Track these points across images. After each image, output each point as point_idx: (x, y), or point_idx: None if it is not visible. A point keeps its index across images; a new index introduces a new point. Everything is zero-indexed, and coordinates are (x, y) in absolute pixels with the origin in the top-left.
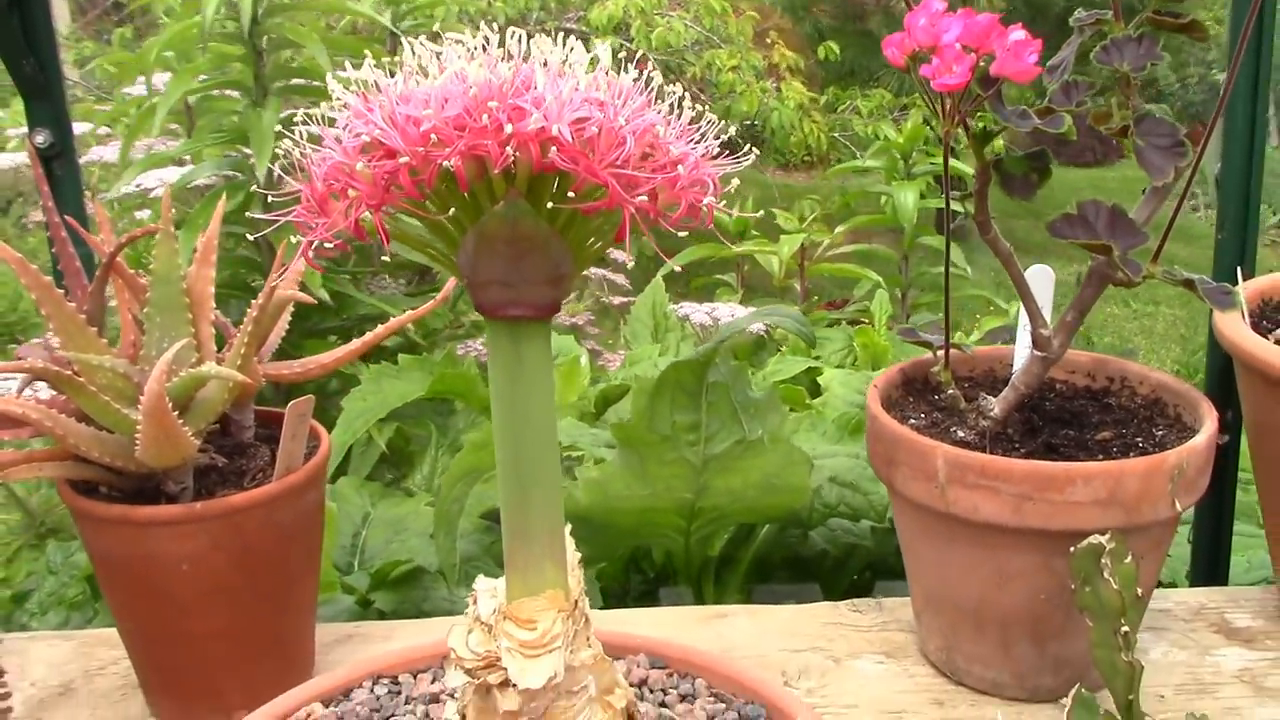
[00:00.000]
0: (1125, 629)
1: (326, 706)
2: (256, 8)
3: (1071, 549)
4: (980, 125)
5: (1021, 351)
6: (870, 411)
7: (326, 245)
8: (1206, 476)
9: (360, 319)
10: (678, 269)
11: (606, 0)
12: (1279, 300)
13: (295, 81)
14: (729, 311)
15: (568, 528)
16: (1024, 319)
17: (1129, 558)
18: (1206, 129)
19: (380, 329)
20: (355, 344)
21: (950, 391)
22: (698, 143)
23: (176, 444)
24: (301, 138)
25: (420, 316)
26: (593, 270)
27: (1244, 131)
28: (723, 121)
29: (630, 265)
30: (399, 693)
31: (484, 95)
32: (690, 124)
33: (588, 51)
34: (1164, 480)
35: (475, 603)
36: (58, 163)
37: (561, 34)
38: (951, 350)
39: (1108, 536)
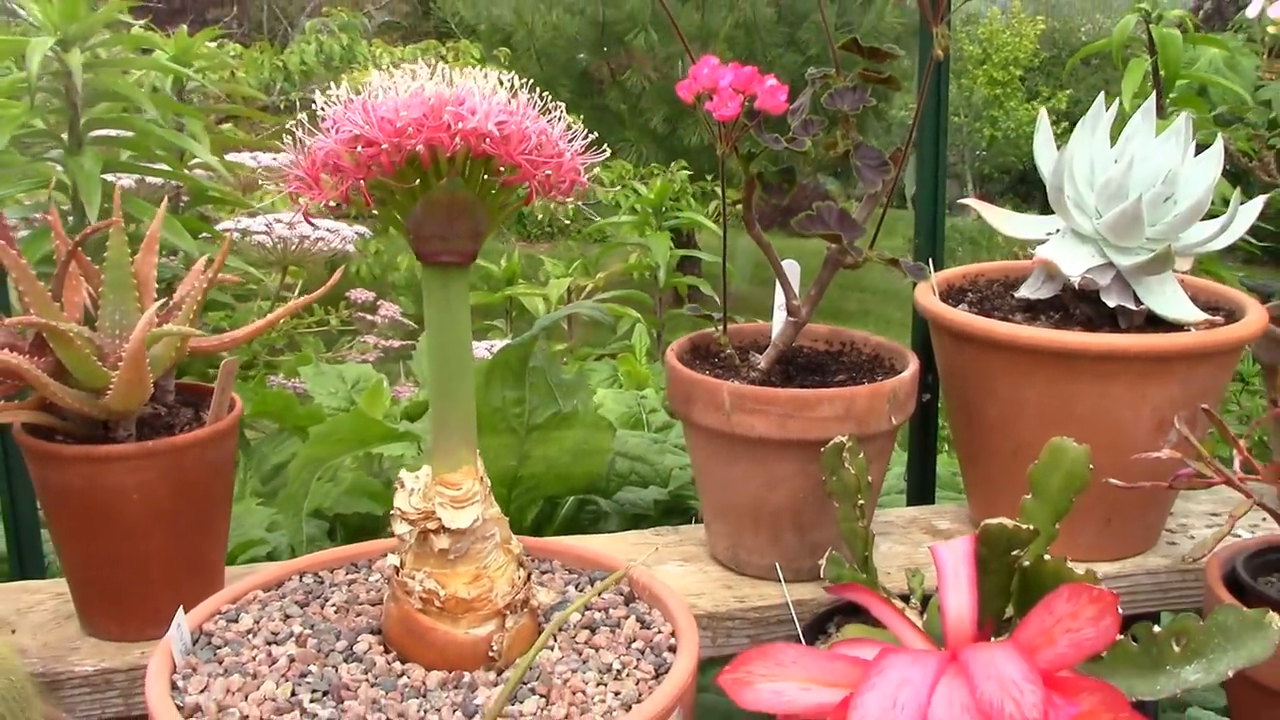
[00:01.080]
0: (861, 502)
1: (266, 592)
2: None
3: (821, 450)
4: (746, 149)
5: (778, 324)
6: (670, 365)
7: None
8: (912, 401)
9: None
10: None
11: (354, 71)
12: (960, 286)
13: (111, 133)
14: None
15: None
16: (779, 300)
17: (861, 454)
18: (903, 153)
19: (281, 309)
20: (261, 321)
21: (728, 351)
22: (570, 142)
23: (143, 389)
24: (294, 140)
25: (310, 303)
26: (380, 313)
27: (931, 159)
28: None
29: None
30: (323, 582)
31: (439, 104)
32: (564, 131)
33: (500, 83)
34: (883, 401)
35: (402, 485)
36: None
37: (307, 102)
38: (728, 324)
39: (846, 438)
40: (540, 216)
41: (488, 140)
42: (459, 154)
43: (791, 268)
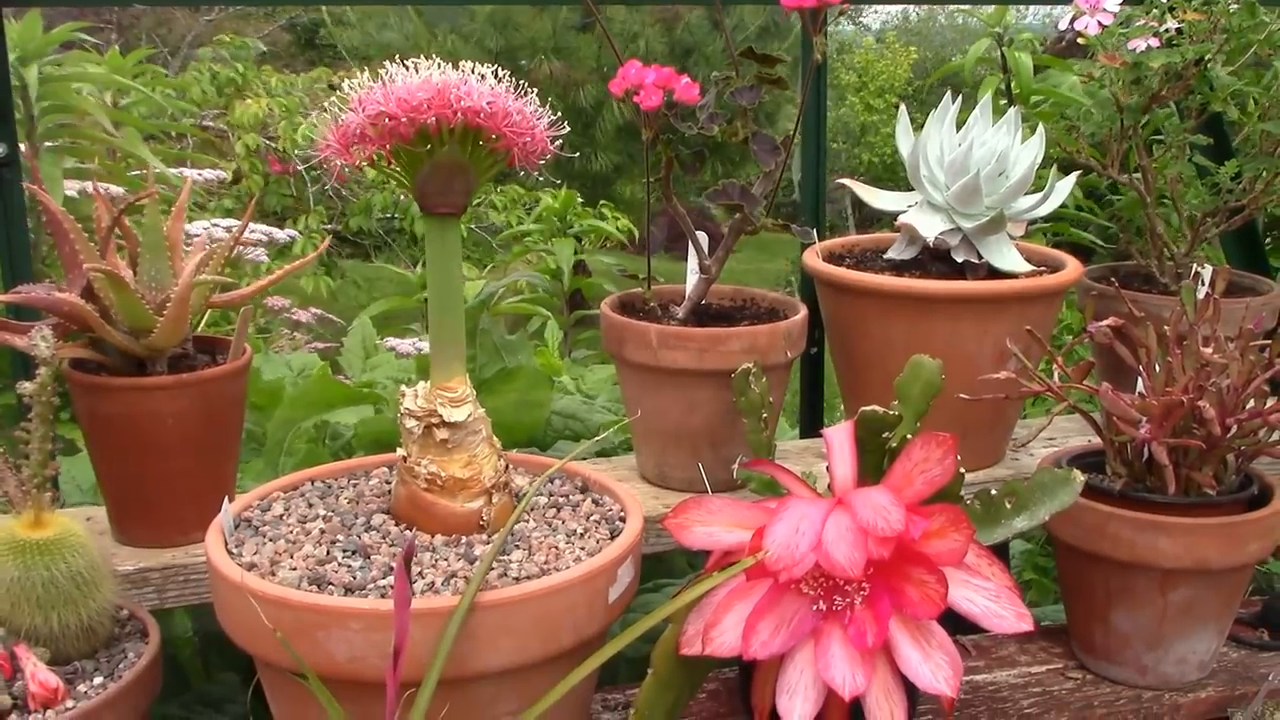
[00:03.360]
0: (765, 416)
1: (285, 493)
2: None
3: (731, 376)
4: (665, 136)
5: (691, 283)
6: (605, 314)
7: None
8: (803, 340)
9: None
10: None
11: (248, 100)
12: (838, 253)
13: (66, 141)
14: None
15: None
16: (692, 264)
17: (765, 378)
18: (790, 139)
19: (285, 268)
20: (268, 278)
21: (652, 304)
22: (540, 120)
23: (184, 328)
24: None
25: (304, 266)
26: (312, 313)
27: (813, 148)
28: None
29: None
30: (330, 486)
31: (445, 87)
32: (536, 111)
33: (494, 76)
34: (780, 338)
35: (404, 396)
36: (7, 170)
37: (200, 130)
38: (646, 283)
39: (752, 365)
40: None
41: (481, 115)
42: (458, 127)
43: (701, 237)
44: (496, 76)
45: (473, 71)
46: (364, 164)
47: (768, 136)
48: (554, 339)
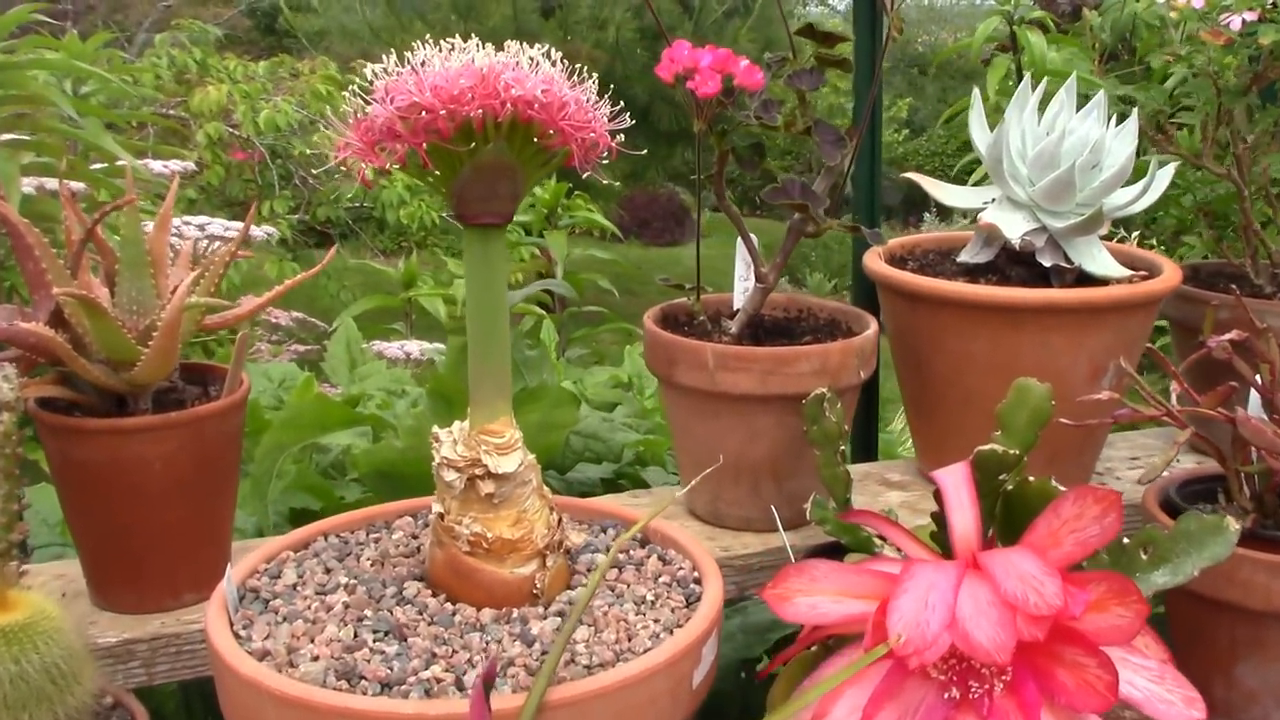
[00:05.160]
0: (842, 449)
1: (296, 552)
2: None
3: (802, 402)
4: (720, 126)
5: (740, 293)
6: (650, 331)
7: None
8: (874, 358)
9: None
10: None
11: (208, 87)
12: (900, 255)
13: (22, 136)
14: (417, 347)
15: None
16: (739, 270)
17: (839, 403)
18: (857, 132)
19: (278, 288)
20: (264, 297)
21: (700, 317)
22: (599, 109)
23: (173, 360)
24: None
25: (307, 279)
26: (291, 315)
27: (868, 139)
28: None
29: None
30: (347, 542)
31: (491, 73)
32: (594, 100)
33: (545, 56)
34: (853, 357)
35: (438, 441)
36: None
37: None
38: (694, 293)
39: (826, 390)
40: (408, 224)
41: (535, 106)
42: (506, 120)
43: (752, 239)
44: (549, 58)
45: (520, 52)
46: (393, 167)
47: (831, 127)
48: (550, 340)
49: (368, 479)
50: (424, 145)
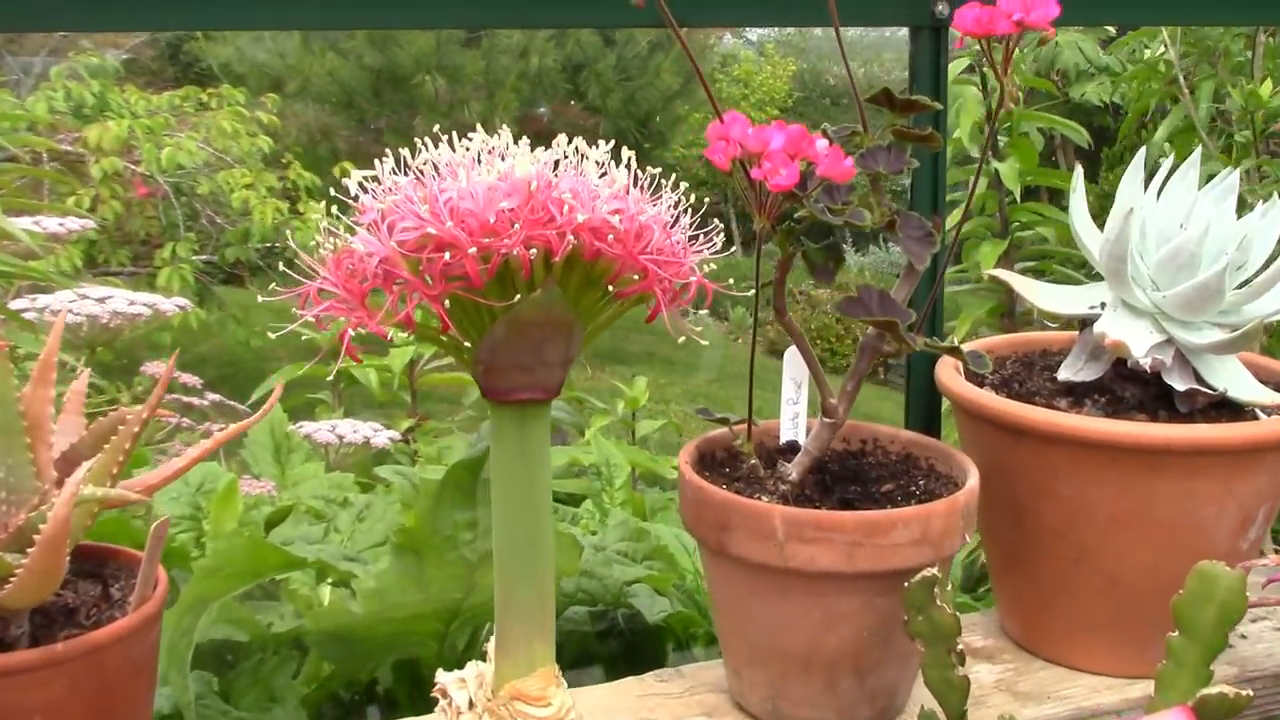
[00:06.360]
0: (959, 647)
1: None
2: None
3: (905, 584)
4: (786, 223)
5: (786, 420)
6: (692, 484)
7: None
8: (975, 513)
9: None
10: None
11: (107, 121)
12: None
13: None
14: (351, 428)
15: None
16: (787, 391)
17: (950, 585)
18: (957, 225)
19: (207, 444)
20: (183, 461)
21: (752, 461)
22: (674, 228)
23: (57, 576)
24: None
25: (240, 433)
26: (203, 399)
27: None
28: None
29: None
30: None
31: (544, 190)
32: (679, 217)
33: (620, 163)
34: (958, 517)
35: (447, 695)
36: None
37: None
38: (745, 432)
39: (934, 569)
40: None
41: (611, 238)
42: (562, 259)
43: (793, 355)
44: (621, 161)
45: (576, 152)
46: (393, 330)
47: (919, 220)
48: None
49: (319, 643)
50: (443, 299)
